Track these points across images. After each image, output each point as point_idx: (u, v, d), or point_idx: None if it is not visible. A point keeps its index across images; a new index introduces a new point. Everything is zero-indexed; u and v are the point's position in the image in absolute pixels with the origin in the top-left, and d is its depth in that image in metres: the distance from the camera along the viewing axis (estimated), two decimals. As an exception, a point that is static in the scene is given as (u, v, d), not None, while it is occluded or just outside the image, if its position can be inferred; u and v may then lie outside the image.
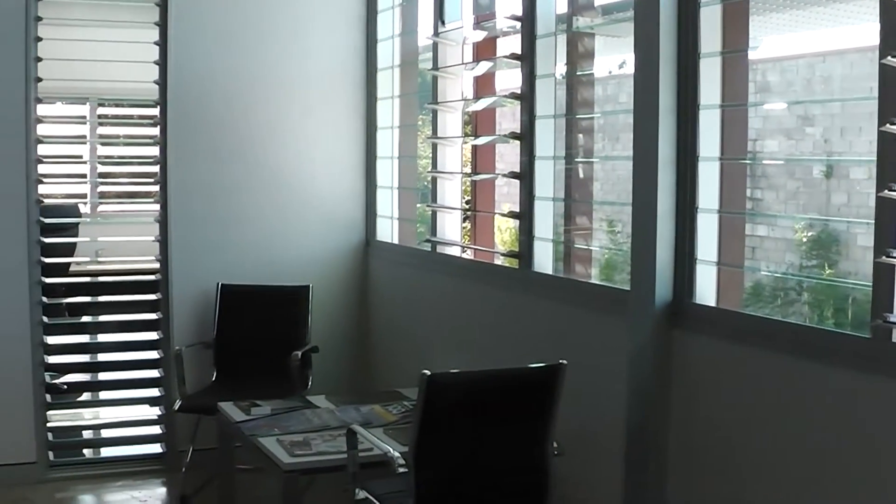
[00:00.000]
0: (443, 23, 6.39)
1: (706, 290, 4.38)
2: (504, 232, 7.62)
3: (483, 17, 6.16)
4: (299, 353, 6.50)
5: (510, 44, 5.73)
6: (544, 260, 5.44)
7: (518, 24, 5.48)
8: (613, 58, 6.34)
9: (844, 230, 7.29)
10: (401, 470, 4.27)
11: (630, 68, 4.56)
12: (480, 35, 6.17)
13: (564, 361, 4.35)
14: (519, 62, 5.45)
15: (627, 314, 4.57)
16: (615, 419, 4.61)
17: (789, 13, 7.06)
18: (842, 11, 6.89)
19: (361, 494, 4.55)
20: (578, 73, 5.45)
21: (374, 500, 4.50)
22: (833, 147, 7.27)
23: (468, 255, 6.36)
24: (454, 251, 6.47)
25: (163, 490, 6.73)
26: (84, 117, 10.02)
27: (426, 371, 4.17)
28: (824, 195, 7.44)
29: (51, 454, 6.82)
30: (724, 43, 4.33)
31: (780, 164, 7.58)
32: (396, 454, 4.34)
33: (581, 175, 5.62)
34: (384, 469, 4.41)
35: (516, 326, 5.55)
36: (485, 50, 6.24)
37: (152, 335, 7.03)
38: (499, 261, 6.06)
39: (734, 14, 4.33)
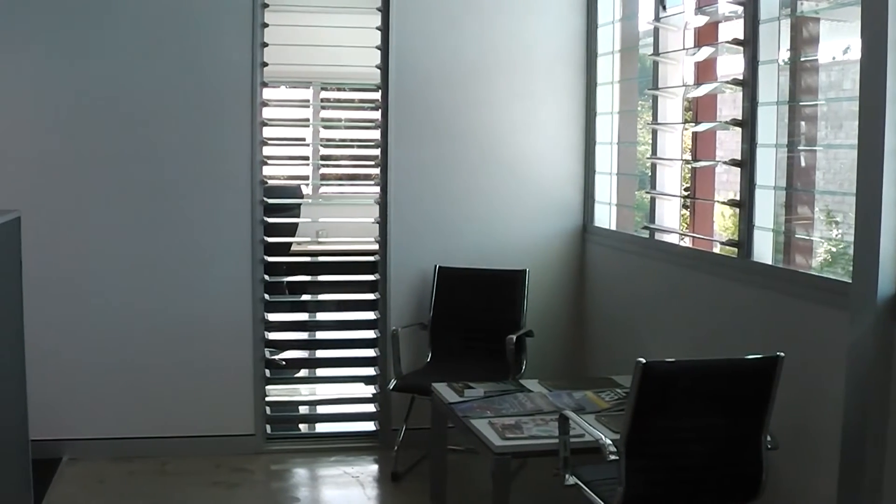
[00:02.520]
0: (664, 7, 6.32)
1: (932, 285, 4.24)
2: (723, 220, 7.50)
3: (705, 1, 6.07)
4: (514, 337, 6.51)
5: (732, 29, 5.64)
6: (764, 249, 5.34)
7: (741, 9, 5.38)
8: (838, 43, 6.16)
9: None
10: (612, 457, 4.25)
11: (855, 54, 4.44)
12: (702, 20, 6.09)
13: (782, 354, 4.27)
14: (741, 47, 5.36)
15: (848, 307, 4.45)
16: (832, 416, 4.49)
17: None
18: None
19: (571, 480, 4.56)
20: (802, 59, 5.33)
21: (584, 486, 4.51)
22: None
23: (686, 242, 6.28)
24: (672, 238, 6.40)
25: (375, 467, 6.85)
26: (307, 101, 10.24)
27: (641, 359, 4.14)
28: None
29: (268, 427, 7.04)
30: (958, 27, 4.17)
31: None
32: (608, 441, 4.32)
33: (803, 163, 5.49)
34: (595, 455, 4.40)
35: (733, 316, 5.46)
36: (706, 35, 6.15)
37: (370, 315, 7.16)
38: (717, 249, 5.97)
39: (969, -4, 4.17)
